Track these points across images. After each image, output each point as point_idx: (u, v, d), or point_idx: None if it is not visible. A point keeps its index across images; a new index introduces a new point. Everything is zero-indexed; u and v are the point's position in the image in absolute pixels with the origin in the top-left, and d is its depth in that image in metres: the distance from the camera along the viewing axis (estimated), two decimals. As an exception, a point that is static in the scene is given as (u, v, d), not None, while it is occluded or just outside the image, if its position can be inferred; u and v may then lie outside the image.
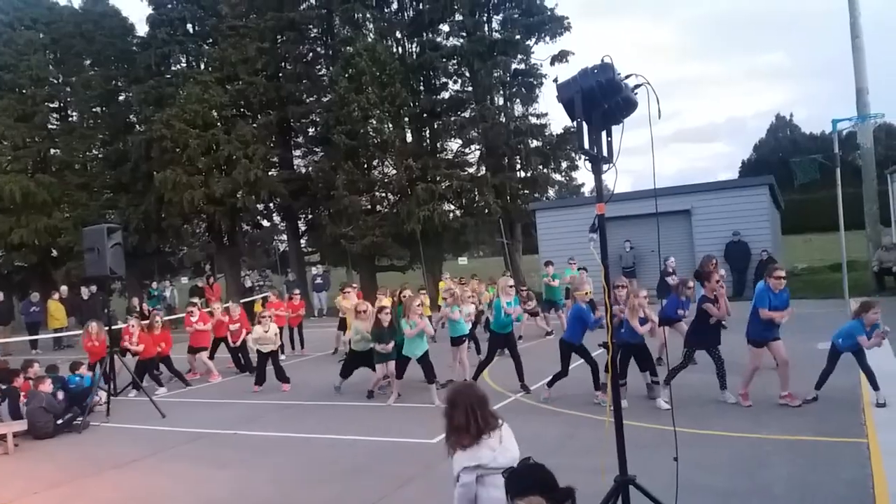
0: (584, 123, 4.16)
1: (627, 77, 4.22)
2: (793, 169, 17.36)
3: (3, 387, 10.47)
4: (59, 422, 10.05)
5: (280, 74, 31.13)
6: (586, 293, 9.32)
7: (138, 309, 20.38)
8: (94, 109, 31.95)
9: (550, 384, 9.41)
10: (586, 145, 4.20)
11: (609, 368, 4.38)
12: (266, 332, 12.15)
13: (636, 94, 4.38)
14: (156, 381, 13.13)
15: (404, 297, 11.73)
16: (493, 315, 10.81)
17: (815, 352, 9.91)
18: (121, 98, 32.07)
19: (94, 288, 22.11)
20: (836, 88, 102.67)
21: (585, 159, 4.34)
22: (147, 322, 14.06)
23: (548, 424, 8.27)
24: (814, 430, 7.23)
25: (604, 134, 4.48)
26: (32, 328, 21.71)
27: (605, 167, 4.41)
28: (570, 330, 9.26)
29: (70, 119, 32.47)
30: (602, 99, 4.11)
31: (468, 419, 3.60)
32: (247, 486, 7.00)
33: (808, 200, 40.85)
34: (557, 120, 31.10)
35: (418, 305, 10.46)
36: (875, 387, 8.02)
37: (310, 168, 31.54)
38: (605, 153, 4.43)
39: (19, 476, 8.13)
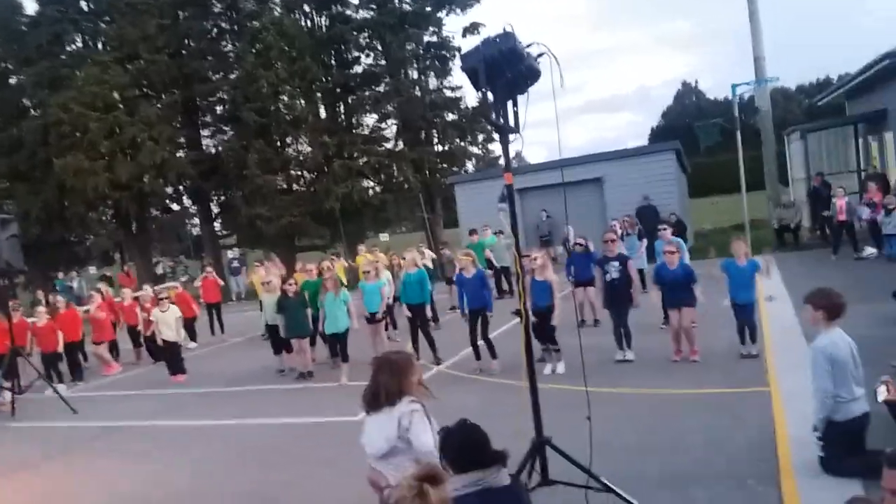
0: (489, 93, 4.16)
1: (529, 46, 4.24)
2: (696, 133, 18.09)
3: None
4: (-40, 426, 9.52)
5: (183, 52, 29.90)
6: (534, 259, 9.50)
7: (44, 302, 19.35)
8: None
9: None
10: (492, 115, 4.21)
11: (523, 336, 4.45)
12: (164, 312, 11.67)
13: (539, 63, 4.41)
14: (58, 375, 12.49)
15: (324, 268, 11.60)
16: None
17: (721, 309, 10.35)
18: (11, 81, 30.16)
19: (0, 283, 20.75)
20: (738, 55, 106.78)
21: (492, 129, 4.35)
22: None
23: (469, 393, 8.39)
24: (721, 382, 7.59)
25: (510, 104, 4.50)
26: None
27: (511, 137, 4.44)
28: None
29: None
30: (505, 67, 4.12)
31: (375, 388, 3.62)
32: (163, 478, 6.82)
33: (713, 164, 42.51)
34: (472, 93, 31.21)
35: (336, 282, 10.46)
36: (753, 339, 8.58)
37: (220, 148, 30.59)
38: (512, 123, 4.46)
39: (-83, 486, 7.66)
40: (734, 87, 15.57)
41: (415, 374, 3.67)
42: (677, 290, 8.65)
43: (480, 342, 9.44)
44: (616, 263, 9.01)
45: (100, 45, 29.30)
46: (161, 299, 11.86)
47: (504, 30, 4.14)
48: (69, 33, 28.91)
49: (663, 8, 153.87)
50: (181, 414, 9.47)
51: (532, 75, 4.43)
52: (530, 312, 8.63)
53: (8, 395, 10.74)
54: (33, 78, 27.31)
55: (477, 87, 4.17)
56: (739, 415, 6.51)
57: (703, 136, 17.89)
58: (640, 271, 13.79)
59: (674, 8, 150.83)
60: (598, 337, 9.82)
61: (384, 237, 33.54)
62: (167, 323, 11.63)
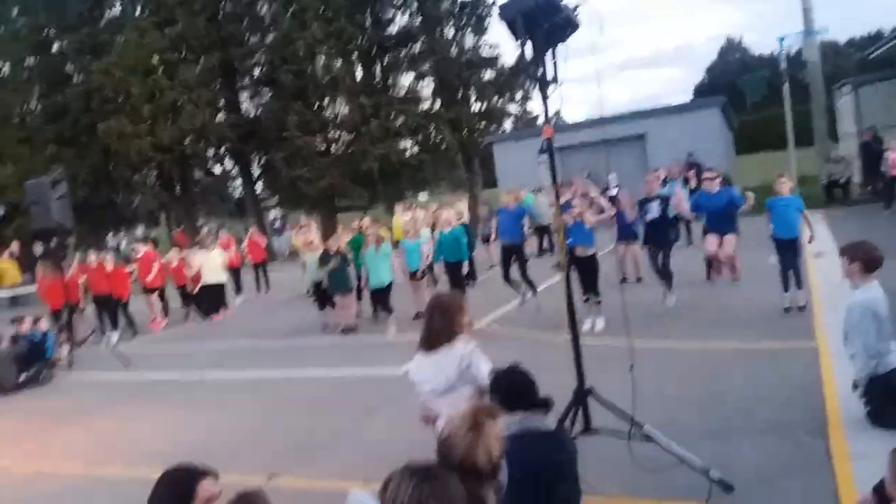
0: (527, 44, 4.13)
1: (565, -4, 4.18)
2: (742, 88, 17.63)
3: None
4: (23, 377, 9.98)
5: (219, 15, 29.91)
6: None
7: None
8: (26, 62, 30.50)
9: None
10: (530, 67, 4.18)
11: (565, 288, 4.47)
12: (210, 253, 11.85)
13: (577, 14, 4.35)
14: (112, 324, 12.96)
15: (364, 226, 11.80)
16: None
17: (767, 266, 10.22)
18: (54, 48, 30.63)
19: (53, 242, 21.32)
20: (785, 10, 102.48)
21: (531, 82, 4.33)
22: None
23: (509, 348, 8.38)
24: (767, 337, 7.52)
25: (549, 56, 4.45)
26: (-14, 287, 21.12)
27: (550, 89, 4.40)
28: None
29: (1, 72, 30.97)
30: (543, 18, 4.08)
31: (428, 331, 3.79)
32: (216, 426, 7.07)
33: (759, 120, 41.31)
34: (510, 51, 30.70)
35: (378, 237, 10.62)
36: (799, 285, 8.42)
37: (259, 110, 30.78)
38: (551, 75, 4.42)
39: (-16, 433, 8.11)
40: (781, 39, 15.12)
41: (465, 314, 3.84)
42: (718, 218, 8.53)
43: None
44: (656, 203, 8.95)
45: (138, 11, 29.51)
46: (207, 243, 12.10)
47: (540, -20, 4.09)
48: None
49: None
50: (231, 366, 9.78)
51: (570, 26, 4.37)
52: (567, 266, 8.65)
53: (65, 347, 11.21)
54: (75, 45, 27.70)
55: (516, 36, 4.15)
56: (786, 370, 6.46)
57: (748, 91, 17.45)
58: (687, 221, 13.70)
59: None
60: (641, 293, 9.79)
61: (423, 197, 33.61)
62: (213, 263, 11.80)
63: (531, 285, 9.44)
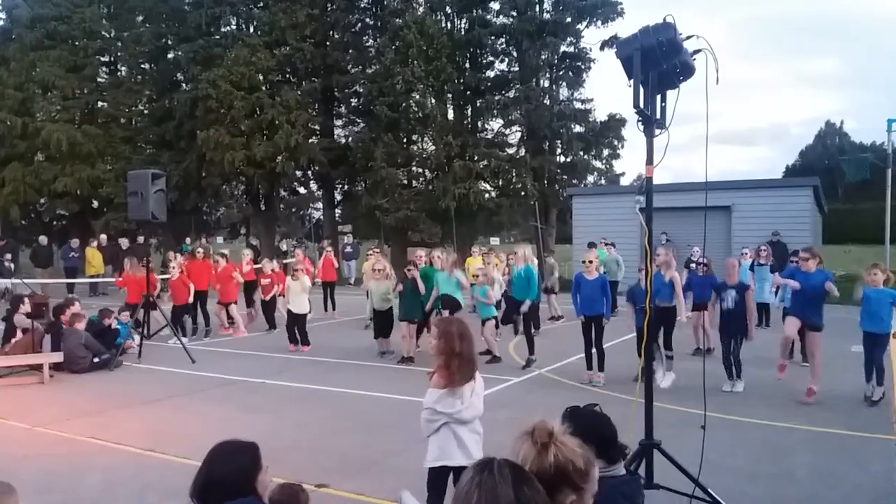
0: (640, 83, 4.10)
1: (688, 38, 4.15)
2: (842, 167, 17.03)
3: (49, 320, 10.81)
4: (96, 360, 10.35)
5: (327, 42, 31.20)
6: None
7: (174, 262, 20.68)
8: (142, 65, 32.51)
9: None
10: (641, 105, 4.15)
11: (645, 333, 4.35)
12: (295, 280, 12.12)
13: (694, 59, 4.31)
14: (182, 330, 13.27)
15: (436, 257, 11.82)
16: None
17: (849, 354, 9.77)
18: (169, 56, 32.49)
19: (140, 238, 22.38)
20: (892, 100, 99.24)
21: (638, 120, 4.29)
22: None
23: (572, 399, 8.09)
24: (843, 424, 7.14)
25: (658, 98, 4.43)
26: (70, 273, 22.22)
27: (657, 131, 4.36)
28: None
29: (119, 73, 33.08)
30: (661, 59, 4.06)
31: (451, 361, 3.72)
32: (272, 429, 7.10)
33: (852, 211, 39.74)
34: (602, 106, 30.87)
35: (454, 262, 10.70)
36: (879, 381, 7.94)
37: (350, 139, 31.70)
38: (659, 117, 4.38)
39: (53, 404, 8.39)
40: (890, 121, 14.57)
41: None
42: (808, 301, 8.10)
43: (592, 350, 9.24)
44: (733, 292, 8.60)
45: (251, 29, 31.05)
46: (296, 270, 12.44)
47: (664, 20, 4.08)
48: (226, 16, 30.79)
49: (808, 45, 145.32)
50: (290, 376, 9.88)
51: (686, 70, 4.34)
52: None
53: (137, 337, 11.59)
54: (189, 54, 29.23)
55: (629, 75, 4.13)
56: (859, 458, 6.10)
57: (849, 171, 16.83)
58: (766, 305, 13.20)
59: (820, 45, 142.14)
60: (709, 365, 9.41)
61: (494, 241, 33.66)
62: (297, 291, 12.07)
63: (601, 360, 9.13)
